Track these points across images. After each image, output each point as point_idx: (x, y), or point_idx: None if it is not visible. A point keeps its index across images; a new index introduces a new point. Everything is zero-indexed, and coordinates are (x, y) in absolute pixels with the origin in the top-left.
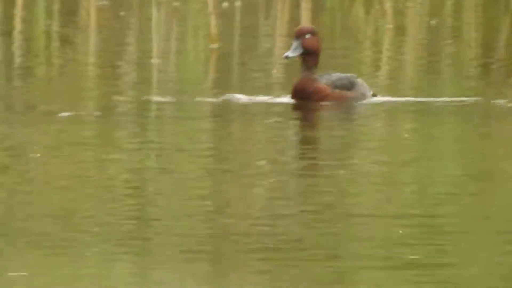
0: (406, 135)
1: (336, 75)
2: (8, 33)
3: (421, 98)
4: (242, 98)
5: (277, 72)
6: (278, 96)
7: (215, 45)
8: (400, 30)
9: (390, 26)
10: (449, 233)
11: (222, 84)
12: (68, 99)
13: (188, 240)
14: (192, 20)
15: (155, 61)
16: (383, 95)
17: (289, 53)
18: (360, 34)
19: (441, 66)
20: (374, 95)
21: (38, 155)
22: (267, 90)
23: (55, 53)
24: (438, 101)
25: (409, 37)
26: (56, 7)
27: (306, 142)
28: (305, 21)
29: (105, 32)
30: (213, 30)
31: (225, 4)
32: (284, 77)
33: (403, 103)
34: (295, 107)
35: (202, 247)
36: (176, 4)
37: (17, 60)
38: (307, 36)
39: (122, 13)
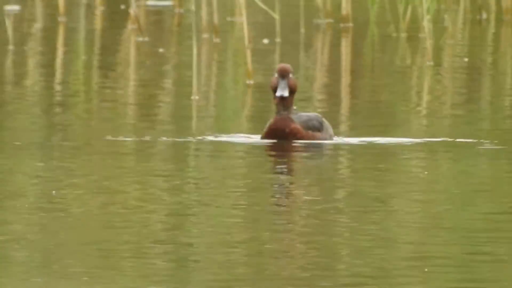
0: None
1: (304, 115)
2: (49, 67)
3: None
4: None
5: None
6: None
7: (251, 81)
8: (439, 68)
9: (431, 63)
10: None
11: (258, 120)
12: (108, 133)
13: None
14: (231, 56)
15: (194, 97)
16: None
17: (284, 93)
18: (400, 71)
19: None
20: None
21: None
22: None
23: (94, 87)
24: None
25: (445, 75)
26: (96, 42)
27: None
28: (346, 58)
29: (144, 68)
30: (250, 66)
31: (265, 41)
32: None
33: (365, 144)
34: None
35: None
36: (216, 40)
37: (57, 94)
38: (291, 75)
39: (161, 50)
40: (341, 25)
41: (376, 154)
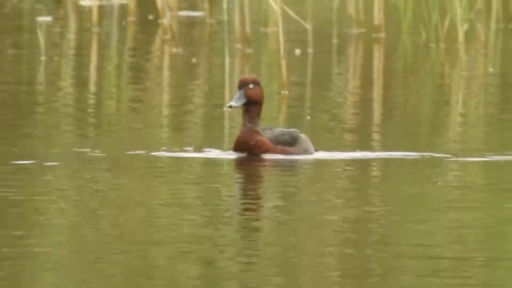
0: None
1: (278, 130)
2: (82, 78)
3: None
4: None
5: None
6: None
7: (286, 92)
8: (472, 77)
9: (465, 73)
10: None
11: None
12: (141, 147)
13: None
14: (264, 67)
15: (226, 108)
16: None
17: (233, 103)
18: (432, 81)
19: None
20: (317, 150)
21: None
22: (338, 139)
23: (126, 98)
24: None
25: (478, 84)
26: (129, 52)
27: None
28: (377, 68)
29: (177, 80)
30: (285, 77)
31: (297, 51)
32: (353, 127)
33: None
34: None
35: None
36: (249, 51)
37: (90, 106)
38: (250, 86)
39: (194, 60)
40: (374, 35)
41: (349, 169)
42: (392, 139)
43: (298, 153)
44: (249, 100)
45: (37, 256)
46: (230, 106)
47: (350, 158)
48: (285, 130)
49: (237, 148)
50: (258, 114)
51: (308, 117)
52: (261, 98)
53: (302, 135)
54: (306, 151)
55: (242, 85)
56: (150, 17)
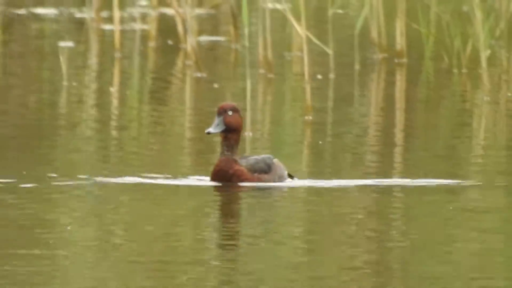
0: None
1: (253, 158)
2: (104, 103)
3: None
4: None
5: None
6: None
7: (309, 117)
8: (495, 103)
9: (488, 98)
10: None
11: (315, 161)
12: (164, 170)
13: None
14: (286, 91)
15: (248, 133)
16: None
17: (211, 129)
18: (455, 107)
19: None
20: (290, 175)
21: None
22: (359, 165)
23: (147, 122)
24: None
25: (502, 110)
26: (152, 78)
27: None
28: (399, 94)
29: (198, 104)
30: (308, 101)
31: (319, 76)
32: (373, 155)
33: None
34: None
35: None
36: (271, 76)
37: (112, 130)
38: (229, 113)
39: (216, 85)
40: (396, 60)
41: (317, 197)
42: (414, 165)
43: (274, 180)
44: (227, 127)
45: (61, 273)
46: (208, 133)
47: (358, 185)
48: (259, 157)
49: (215, 176)
50: (237, 142)
51: (320, 142)
52: (239, 126)
53: (275, 160)
54: (280, 177)
55: (221, 112)
56: (170, 42)
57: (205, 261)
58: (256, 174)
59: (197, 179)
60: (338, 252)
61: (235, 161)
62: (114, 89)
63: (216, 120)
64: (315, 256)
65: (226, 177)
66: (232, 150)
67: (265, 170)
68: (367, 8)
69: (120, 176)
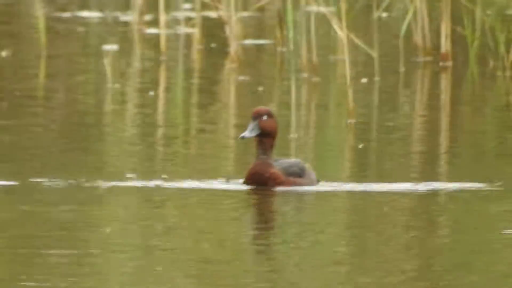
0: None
1: (286, 162)
2: (148, 106)
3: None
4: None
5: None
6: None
7: (352, 120)
8: None
9: None
10: None
11: (357, 164)
12: (206, 175)
13: None
14: (330, 95)
15: (293, 135)
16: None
17: (246, 134)
18: (498, 110)
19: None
20: (318, 180)
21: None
22: (402, 168)
23: (192, 126)
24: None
25: None
26: (196, 80)
27: None
28: (444, 97)
29: (242, 107)
30: (351, 105)
31: (364, 80)
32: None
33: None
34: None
35: None
36: (315, 79)
37: (157, 133)
38: (264, 117)
39: (260, 89)
40: (440, 63)
41: (359, 201)
42: (459, 168)
43: (308, 184)
44: (262, 131)
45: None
46: (242, 138)
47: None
48: (291, 161)
49: (250, 179)
50: (272, 146)
51: (360, 146)
52: (274, 130)
53: (307, 165)
54: (313, 181)
55: (256, 116)
56: (214, 45)
57: (246, 262)
58: (291, 178)
59: (237, 183)
60: (381, 256)
61: (271, 165)
62: (157, 92)
63: (251, 124)
64: (359, 258)
65: (261, 180)
66: (267, 154)
67: (299, 174)
68: (412, 11)
69: (161, 178)
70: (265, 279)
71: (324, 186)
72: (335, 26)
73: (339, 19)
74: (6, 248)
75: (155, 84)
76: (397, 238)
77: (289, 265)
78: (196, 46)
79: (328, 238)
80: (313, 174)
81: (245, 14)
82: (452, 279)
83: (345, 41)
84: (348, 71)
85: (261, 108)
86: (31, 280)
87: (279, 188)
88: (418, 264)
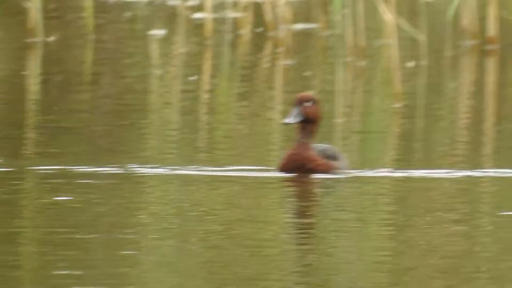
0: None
1: (320, 146)
2: (193, 91)
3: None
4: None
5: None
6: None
7: (399, 105)
8: None
9: None
10: None
11: (402, 149)
12: (252, 161)
13: None
14: (376, 79)
15: (338, 120)
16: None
17: (289, 119)
18: None
19: None
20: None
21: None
22: (448, 154)
23: (237, 112)
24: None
25: None
26: (242, 65)
27: None
28: (491, 81)
29: (288, 91)
30: (397, 89)
31: (410, 64)
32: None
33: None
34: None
35: None
36: (362, 63)
37: (202, 119)
38: (307, 103)
39: (306, 73)
40: (488, 47)
41: (403, 186)
42: (505, 154)
43: (343, 168)
44: (305, 117)
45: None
46: (286, 123)
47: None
48: (325, 146)
49: (288, 160)
50: (313, 132)
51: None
52: (317, 117)
53: (339, 150)
54: (346, 166)
55: (300, 102)
56: (259, 29)
57: (290, 248)
58: (329, 161)
59: (276, 170)
60: (424, 242)
61: (310, 148)
62: (202, 77)
63: (294, 110)
64: (402, 244)
65: (299, 161)
66: (308, 138)
67: (334, 157)
68: None
69: (201, 165)
70: (310, 265)
71: (367, 172)
72: (382, 9)
73: (386, 2)
74: (44, 235)
75: (200, 69)
76: (440, 223)
77: (333, 250)
78: (242, 31)
79: (371, 223)
80: (346, 160)
81: None
82: (495, 265)
83: (391, 24)
84: (394, 55)
85: (305, 94)
86: (70, 268)
87: (318, 175)
88: (463, 250)
